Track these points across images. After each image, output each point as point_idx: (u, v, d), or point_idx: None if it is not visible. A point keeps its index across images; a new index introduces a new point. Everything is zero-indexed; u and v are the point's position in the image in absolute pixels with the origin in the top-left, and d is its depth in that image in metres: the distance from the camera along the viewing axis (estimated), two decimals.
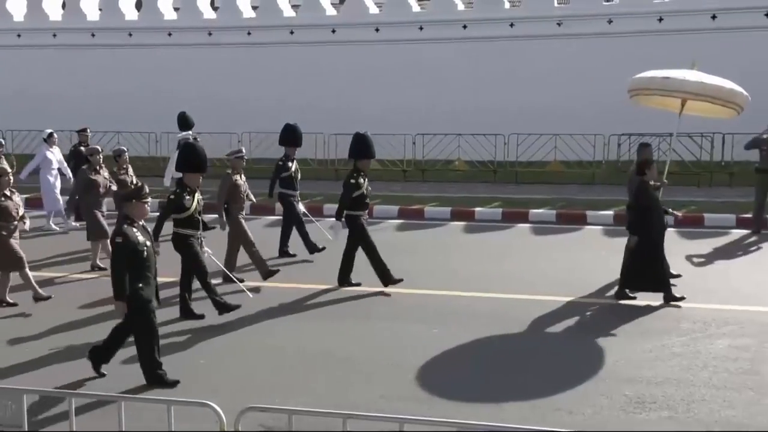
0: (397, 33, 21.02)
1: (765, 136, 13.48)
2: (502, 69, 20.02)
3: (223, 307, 8.93)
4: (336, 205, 10.58)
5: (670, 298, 9.41)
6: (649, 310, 9.38)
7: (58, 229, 14.40)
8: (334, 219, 10.64)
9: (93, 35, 23.33)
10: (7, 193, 9.42)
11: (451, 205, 15.64)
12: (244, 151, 11.49)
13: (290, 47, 21.72)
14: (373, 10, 22.02)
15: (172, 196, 9.13)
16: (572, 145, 18.08)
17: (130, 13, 23.78)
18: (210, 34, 22.55)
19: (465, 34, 20.64)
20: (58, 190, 14.50)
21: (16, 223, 9.43)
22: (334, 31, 21.64)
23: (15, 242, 9.41)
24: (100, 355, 7.34)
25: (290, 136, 12.57)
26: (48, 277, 10.97)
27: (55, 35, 23.55)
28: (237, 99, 21.22)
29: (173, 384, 7.04)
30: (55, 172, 14.53)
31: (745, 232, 13.31)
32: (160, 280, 7.65)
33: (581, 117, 18.40)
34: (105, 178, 11.67)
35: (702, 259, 11.77)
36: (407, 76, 20.51)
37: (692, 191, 16.33)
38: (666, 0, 19.88)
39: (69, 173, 14.58)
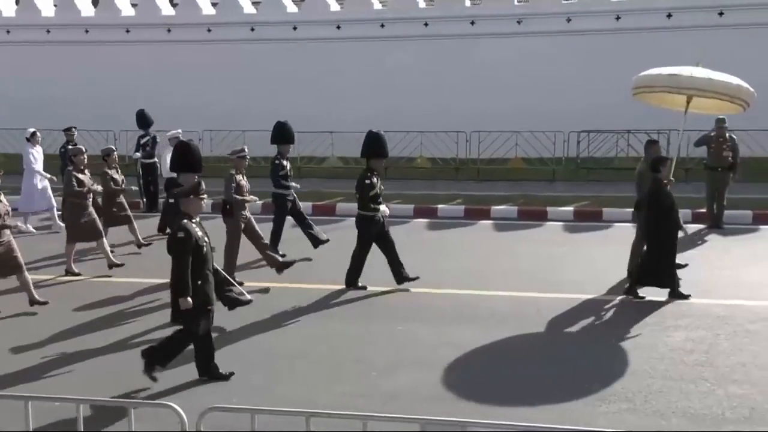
0: (359, 31, 20.96)
1: (713, 134, 13.75)
2: (464, 67, 20.11)
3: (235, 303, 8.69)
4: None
5: (676, 295, 9.45)
6: (606, 304, 9.57)
7: (34, 231, 14.10)
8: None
9: (48, 32, 22.90)
10: None
11: (413, 203, 15.65)
12: (246, 150, 11.14)
13: (251, 44, 21.54)
14: (335, 7, 21.95)
15: (170, 200, 8.96)
16: (533, 142, 18.25)
17: (87, 9, 23.36)
18: (169, 30, 22.26)
19: (426, 31, 20.67)
20: (41, 191, 14.13)
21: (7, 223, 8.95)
22: (295, 28, 21.53)
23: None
24: (207, 366, 7.27)
25: (283, 134, 12.17)
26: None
27: (8, 32, 23.08)
28: (196, 97, 20.95)
29: (155, 380, 7.11)
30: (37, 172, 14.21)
31: (700, 226, 13.56)
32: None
33: (541, 114, 18.54)
34: (89, 178, 11.49)
35: None
36: (369, 74, 20.52)
37: None
38: None
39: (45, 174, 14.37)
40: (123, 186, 12.28)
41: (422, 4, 21.30)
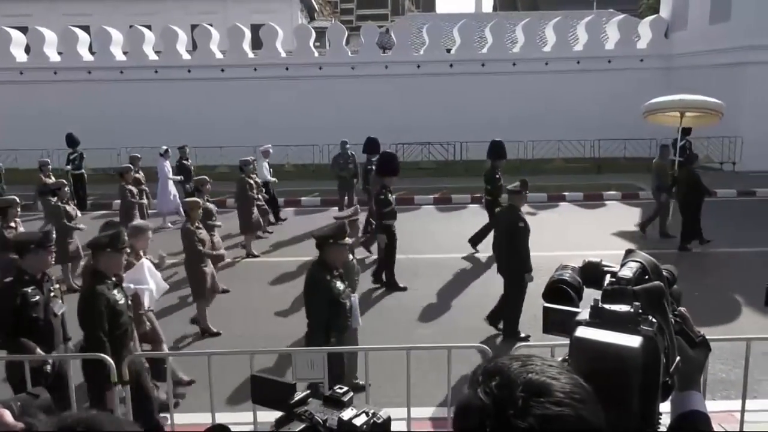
0: (239, 73, 20.33)
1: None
2: (316, 99, 20.24)
3: (393, 286, 8.09)
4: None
5: (703, 242, 9.51)
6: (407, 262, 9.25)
7: (171, 226, 12.31)
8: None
9: (21, 73, 20.73)
10: (200, 225, 7.09)
11: (286, 197, 14.74)
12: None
13: (187, 83, 20.48)
14: (219, 56, 21.13)
15: (381, 196, 8.05)
16: None
17: (54, 56, 21.28)
18: (122, 72, 20.68)
19: (288, 74, 20.49)
20: (173, 197, 12.66)
21: (214, 253, 7.09)
22: (222, 71, 20.57)
23: (211, 272, 6.92)
24: (498, 319, 6.64)
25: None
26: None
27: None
28: (144, 119, 19.90)
29: (525, 338, 6.26)
30: (171, 180, 12.75)
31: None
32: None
33: (372, 130, 18.91)
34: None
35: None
36: (248, 107, 20.03)
37: (442, 180, 17.15)
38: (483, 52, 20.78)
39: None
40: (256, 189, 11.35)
41: (283, 54, 20.98)
